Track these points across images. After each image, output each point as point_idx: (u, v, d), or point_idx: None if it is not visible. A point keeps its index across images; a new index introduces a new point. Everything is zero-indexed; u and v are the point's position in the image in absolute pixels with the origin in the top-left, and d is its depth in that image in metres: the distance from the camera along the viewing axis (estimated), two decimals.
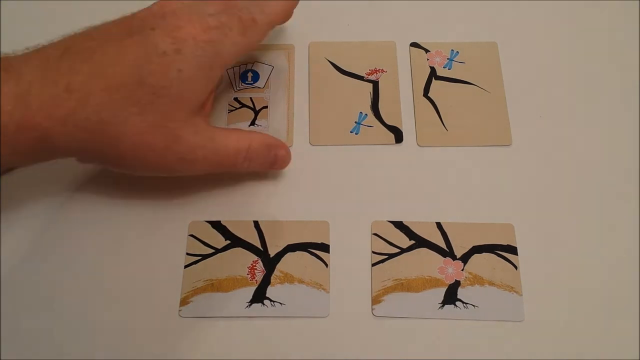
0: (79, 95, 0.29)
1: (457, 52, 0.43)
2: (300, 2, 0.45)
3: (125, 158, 0.31)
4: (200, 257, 0.36)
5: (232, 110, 0.41)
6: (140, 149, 0.31)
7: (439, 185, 0.38)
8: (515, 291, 0.35)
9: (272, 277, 0.35)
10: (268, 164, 0.36)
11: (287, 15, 0.37)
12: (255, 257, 0.36)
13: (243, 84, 0.41)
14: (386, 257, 0.36)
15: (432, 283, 0.35)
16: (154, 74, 0.30)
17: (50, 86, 0.29)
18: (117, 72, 0.30)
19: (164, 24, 0.31)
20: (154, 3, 0.32)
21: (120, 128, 0.30)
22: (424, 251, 0.36)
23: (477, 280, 0.35)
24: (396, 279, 0.35)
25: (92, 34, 0.31)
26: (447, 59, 0.43)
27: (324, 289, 0.35)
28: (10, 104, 0.28)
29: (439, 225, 0.37)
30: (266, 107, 0.41)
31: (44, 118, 0.29)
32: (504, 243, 0.36)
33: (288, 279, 0.35)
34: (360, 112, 0.41)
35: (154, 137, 0.31)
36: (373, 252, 0.36)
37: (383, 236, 0.36)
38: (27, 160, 0.31)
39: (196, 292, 0.35)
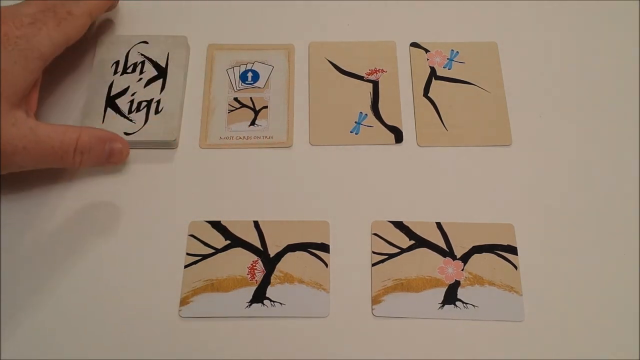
0: None
1: (457, 52, 0.43)
2: (300, 2, 0.45)
3: None
4: (200, 257, 0.36)
5: (232, 110, 0.40)
6: None
7: (439, 185, 0.38)
8: (515, 291, 0.35)
9: (272, 277, 0.35)
10: (103, 158, 0.36)
11: (107, 4, 0.40)
12: (255, 257, 0.36)
13: (243, 84, 0.41)
14: (386, 257, 0.36)
15: (432, 283, 0.35)
16: None
17: None
18: None
19: None
20: None
21: None
22: (424, 251, 0.36)
23: (477, 280, 0.35)
24: (396, 279, 0.35)
25: None
26: (447, 59, 0.43)
27: (324, 289, 0.35)
28: None
29: (439, 225, 0.37)
30: (266, 107, 0.41)
31: None
32: (504, 243, 0.36)
33: (288, 279, 0.35)
34: (360, 112, 0.41)
35: None
36: (373, 252, 0.36)
37: (383, 236, 0.36)
38: None
39: (196, 292, 0.35)
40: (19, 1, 0.37)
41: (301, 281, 0.35)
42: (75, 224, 0.37)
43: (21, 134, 0.33)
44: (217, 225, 0.37)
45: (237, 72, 0.42)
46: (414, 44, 0.43)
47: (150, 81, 0.41)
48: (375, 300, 0.35)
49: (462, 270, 0.36)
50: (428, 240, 0.36)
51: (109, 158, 0.37)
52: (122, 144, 0.37)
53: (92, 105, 0.40)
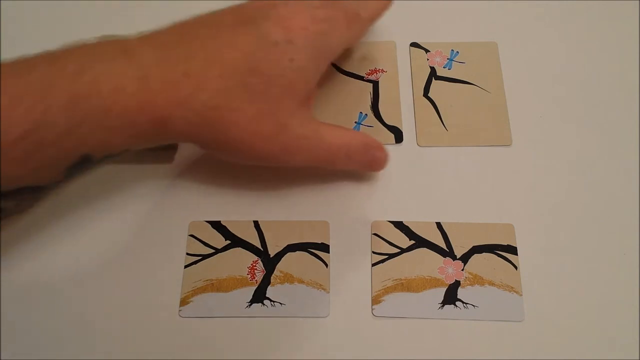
0: (196, 81, 0.30)
1: (457, 52, 0.43)
2: None
3: (233, 144, 0.32)
4: (200, 257, 0.36)
5: None
6: (248, 136, 0.31)
7: (439, 185, 0.38)
8: (515, 291, 0.35)
9: (272, 277, 0.35)
10: (365, 164, 0.36)
11: (383, 13, 0.38)
12: (255, 257, 0.36)
13: None
14: (386, 257, 0.36)
15: (432, 283, 0.35)
16: (266, 63, 0.31)
17: (169, 71, 0.29)
18: (231, 59, 0.30)
19: (275, 14, 0.31)
20: None
21: (232, 114, 0.31)
22: (424, 251, 0.36)
23: (477, 280, 0.35)
24: (396, 279, 0.35)
25: (205, 21, 0.32)
26: (447, 59, 0.43)
27: (324, 289, 0.35)
28: (134, 86, 0.29)
29: (439, 225, 0.37)
30: None
31: (163, 101, 0.29)
32: (504, 243, 0.36)
33: (288, 279, 0.35)
34: (360, 112, 0.41)
35: (262, 125, 0.31)
36: (373, 252, 0.36)
37: (383, 236, 0.36)
38: (142, 142, 0.31)
39: (196, 292, 0.35)
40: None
41: (301, 281, 0.35)
42: (75, 224, 0.37)
43: (306, 134, 0.33)
44: (217, 225, 0.37)
45: None
46: (414, 44, 0.43)
47: None
48: (375, 300, 0.35)
49: (462, 270, 0.36)
50: (428, 240, 0.36)
51: (370, 165, 0.36)
52: (384, 152, 0.36)
53: None
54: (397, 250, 0.36)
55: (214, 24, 0.32)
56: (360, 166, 0.36)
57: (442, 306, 0.35)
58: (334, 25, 0.33)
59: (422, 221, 0.37)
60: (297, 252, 0.36)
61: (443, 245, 0.36)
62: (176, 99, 0.30)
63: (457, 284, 0.35)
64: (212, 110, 0.30)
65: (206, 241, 0.36)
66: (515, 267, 0.36)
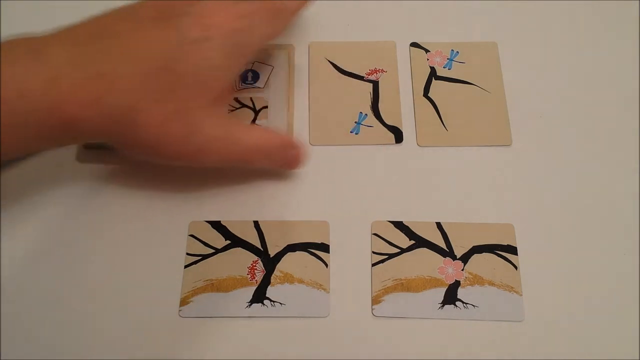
0: (107, 81, 0.29)
1: (457, 52, 0.43)
2: None
3: (146, 146, 0.31)
4: (200, 257, 0.36)
5: (232, 110, 0.40)
6: (161, 137, 0.31)
7: (439, 185, 0.38)
8: (515, 291, 0.35)
9: (272, 277, 0.35)
10: (282, 163, 0.36)
11: (308, 3, 0.37)
12: (255, 257, 0.36)
13: (243, 84, 0.41)
14: (386, 257, 0.36)
15: (432, 283, 0.35)
16: (180, 61, 0.30)
17: (80, 71, 0.29)
18: (145, 59, 0.30)
19: (193, 11, 0.31)
20: None
21: (142, 115, 0.30)
22: (424, 251, 0.36)
23: (477, 280, 0.35)
24: (396, 279, 0.35)
25: (122, 15, 0.31)
26: (447, 59, 0.43)
27: (324, 289, 0.35)
28: (41, 88, 0.28)
29: (439, 225, 0.37)
30: (266, 107, 0.41)
31: (72, 103, 0.29)
32: (504, 243, 0.36)
33: (288, 279, 0.35)
34: (360, 112, 0.41)
35: (173, 127, 0.31)
36: (373, 252, 0.36)
37: (383, 236, 0.36)
38: (52, 144, 0.31)
39: (196, 292, 0.35)
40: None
41: (301, 281, 0.35)
42: (75, 224, 0.37)
43: (220, 135, 0.32)
44: (217, 225, 0.37)
45: None
46: (414, 44, 0.43)
47: None
48: (375, 300, 0.35)
49: (462, 270, 0.36)
50: (428, 240, 0.36)
51: (287, 164, 0.36)
52: (301, 151, 0.36)
53: None
54: (397, 250, 0.36)
55: (130, 19, 0.31)
56: (278, 165, 0.36)
57: (442, 306, 0.35)
58: (255, 21, 0.32)
59: (422, 221, 0.37)
60: (297, 252, 0.36)
61: (443, 245, 0.36)
62: (86, 100, 0.29)
63: (457, 284, 0.35)
64: (122, 110, 0.30)
65: (206, 241, 0.36)
66: (515, 267, 0.36)
